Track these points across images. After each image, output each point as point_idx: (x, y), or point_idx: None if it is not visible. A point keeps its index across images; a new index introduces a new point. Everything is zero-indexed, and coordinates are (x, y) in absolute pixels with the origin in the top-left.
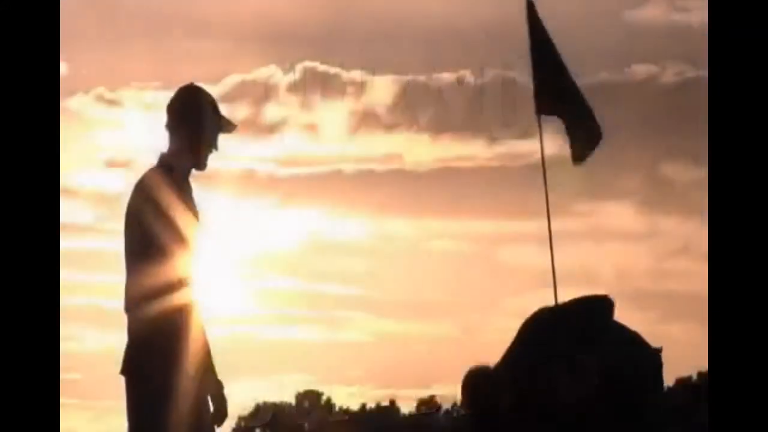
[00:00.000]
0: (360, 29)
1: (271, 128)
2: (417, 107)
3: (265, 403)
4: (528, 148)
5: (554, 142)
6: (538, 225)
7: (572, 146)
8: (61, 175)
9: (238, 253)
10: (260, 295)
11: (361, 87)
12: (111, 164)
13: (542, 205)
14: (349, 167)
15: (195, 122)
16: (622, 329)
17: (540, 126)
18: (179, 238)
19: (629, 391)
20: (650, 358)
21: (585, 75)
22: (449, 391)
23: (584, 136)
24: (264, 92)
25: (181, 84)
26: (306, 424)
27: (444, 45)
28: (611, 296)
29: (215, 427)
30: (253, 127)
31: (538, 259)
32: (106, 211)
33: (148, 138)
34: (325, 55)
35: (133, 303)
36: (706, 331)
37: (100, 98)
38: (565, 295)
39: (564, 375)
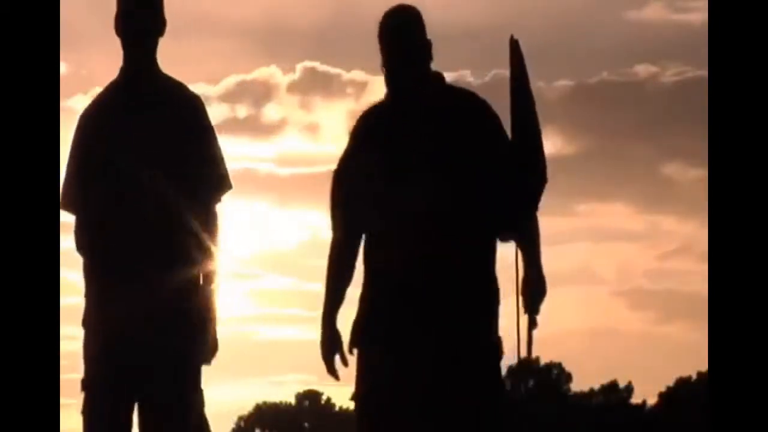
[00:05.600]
0: (360, 29)
1: (271, 128)
2: None
3: (265, 403)
4: None
5: (554, 142)
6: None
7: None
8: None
9: (238, 252)
10: (260, 295)
11: (361, 87)
12: None
13: (544, 206)
14: None
15: None
16: None
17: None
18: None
19: None
20: None
21: (585, 75)
22: None
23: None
24: (264, 92)
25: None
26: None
27: (444, 45)
28: None
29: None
30: (253, 127)
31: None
32: None
33: None
34: (325, 55)
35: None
36: (706, 331)
37: None
38: (566, 295)
39: None
